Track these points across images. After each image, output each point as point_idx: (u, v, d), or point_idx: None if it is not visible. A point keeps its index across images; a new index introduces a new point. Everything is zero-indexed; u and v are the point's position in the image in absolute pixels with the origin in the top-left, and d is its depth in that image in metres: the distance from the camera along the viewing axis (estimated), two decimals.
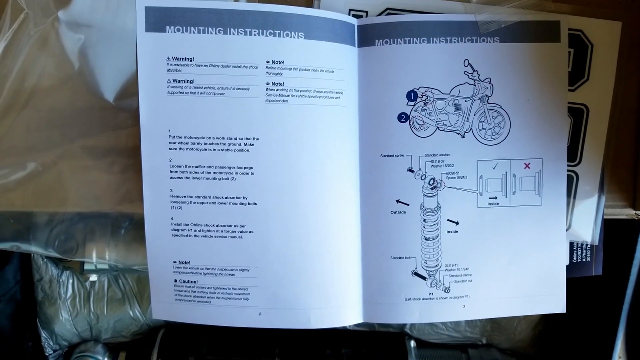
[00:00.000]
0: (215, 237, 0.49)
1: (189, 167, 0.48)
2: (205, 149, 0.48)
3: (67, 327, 0.63)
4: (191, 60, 0.47)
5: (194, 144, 0.48)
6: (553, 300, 0.53)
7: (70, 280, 0.62)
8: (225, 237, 0.49)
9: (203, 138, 0.47)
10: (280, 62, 0.47)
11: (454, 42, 0.50)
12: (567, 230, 0.53)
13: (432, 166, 0.51)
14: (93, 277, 0.61)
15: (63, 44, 0.49)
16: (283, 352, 0.62)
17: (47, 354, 0.64)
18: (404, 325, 0.65)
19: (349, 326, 0.65)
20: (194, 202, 0.48)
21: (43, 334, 0.64)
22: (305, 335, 0.63)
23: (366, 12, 0.51)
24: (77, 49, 0.49)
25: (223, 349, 0.62)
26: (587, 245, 0.55)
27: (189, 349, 0.62)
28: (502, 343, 0.66)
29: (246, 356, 0.62)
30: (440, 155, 0.51)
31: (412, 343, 0.64)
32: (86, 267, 0.59)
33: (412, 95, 0.50)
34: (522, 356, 0.67)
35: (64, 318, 0.63)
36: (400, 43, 0.50)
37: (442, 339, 0.66)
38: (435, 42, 0.50)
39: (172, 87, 0.47)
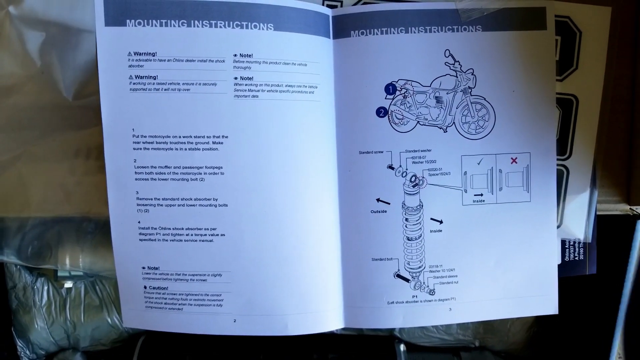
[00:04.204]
0: (185, 241, 0.47)
1: (155, 167, 0.46)
2: (172, 149, 0.45)
3: (43, 336, 0.61)
4: (154, 55, 0.44)
5: (160, 143, 0.45)
6: (545, 301, 0.51)
7: (45, 287, 0.60)
8: (196, 240, 0.47)
9: (169, 137, 0.45)
10: (249, 56, 0.45)
11: (434, 31, 0.48)
12: (558, 228, 0.51)
13: (414, 162, 0.48)
14: (68, 284, 0.59)
15: (24, 42, 0.47)
16: (267, 358, 0.60)
17: None
18: (393, 328, 0.62)
19: (336, 330, 0.63)
20: (162, 205, 0.46)
21: (19, 343, 0.62)
22: (291, 340, 0.61)
23: (341, 1, 0.48)
24: (38, 47, 0.47)
25: (205, 356, 0.60)
26: (579, 243, 0.53)
27: (169, 357, 0.60)
28: (495, 345, 0.64)
29: None
30: (421, 151, 0.48)
31: (402, 347, 0.62)
32: (60, 273, 0.57)
33: (390, 89, 0.48)
34: (516, 359, 0.65)
35: (40, 326, 0.61)
36: (377, 34, 0.48)
37: (433, 342, 0.63)
38: (414, 32, 0.48)
39: (134, 83, 0.45)
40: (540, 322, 0.63)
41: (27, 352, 0.62)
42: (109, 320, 0.62)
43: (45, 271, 0.59)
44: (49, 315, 0.61)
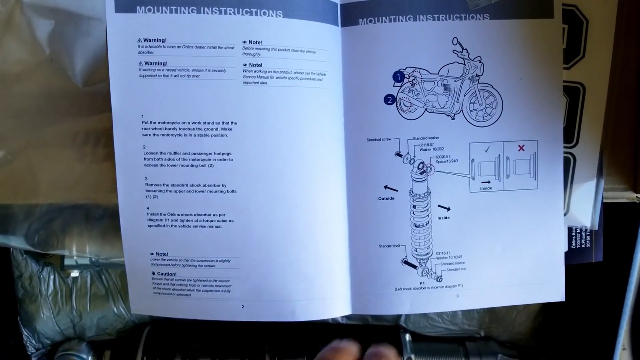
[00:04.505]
0: (193, 227, 0.47)
1: (164, 153, 0.46)
2: (181, 135, 0.46)
3: (49, 325, 0.61)
4: (163, 42, 0.45)
5: (169, 129, 0.45)
6: (551, 288, 0.51)
7: (52, 277, 0.60)
8: (204, 226, 0.47)
9: (178, 123, 0.45)
10: (258, 42, 0.45)
11: (442, 19, 0.48)
12: (565, 215, 0.51)
13: (421, 150, 0.49)
14: (74, 273, 0.59)
15: (33, 29, 0.47)
16: (273, 348, 0.60)
17: (29, 353, 0.62)
18: (399, 318, 0.63)
19: (342, 320, 0.63)
20: (170, 191, 0.46)
21: (25, 332, 0.62)
22: (296, 330, 0.62)
23: None
24: (47, 34, 0.47)
25: (211, 346, 0.60)
26: (586, 230, 0.53)
27: (175, 347, 0.60)
28: (501, 335, 0.64)
29: (234, 353, 0.60)
30: (429, 138, 0.49)
31: (407, 336, 0.62)
32: (67, 262, 0.57)
33: (398, 76, 0.48)
34: (522, 349, 0.65)
35: (46, 315, 0.61)
36: (385, 21, 0.48)
37: (438, 332, 0.64)
38: (422, 20, 0.48)
39: (144, 70, 0.45)
40: (545, 311, 0.63)
41: (33, 341, 0.62)
42: (115, 309, 0.62)
43: (52, 260, 0.59)
44: (55, 304, 0.61)
